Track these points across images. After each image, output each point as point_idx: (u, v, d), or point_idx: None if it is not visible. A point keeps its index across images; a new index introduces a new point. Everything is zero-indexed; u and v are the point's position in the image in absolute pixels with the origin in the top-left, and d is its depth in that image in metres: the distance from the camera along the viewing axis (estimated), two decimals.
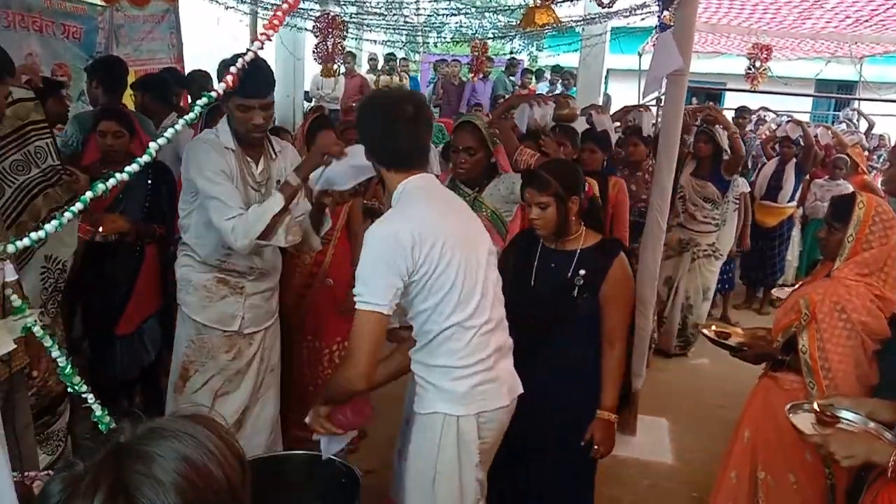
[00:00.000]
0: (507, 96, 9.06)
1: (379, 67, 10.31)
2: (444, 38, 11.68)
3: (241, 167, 2.57)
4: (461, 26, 11.09)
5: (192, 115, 1.17)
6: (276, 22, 1.27)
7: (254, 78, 2.27)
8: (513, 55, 11.49)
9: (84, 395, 1.12)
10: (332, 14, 6.27)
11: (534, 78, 10.43)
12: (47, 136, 2.54)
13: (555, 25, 4.26)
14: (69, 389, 1.14)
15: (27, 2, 6.05)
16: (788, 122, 7.26)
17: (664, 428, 4.28)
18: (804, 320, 2.43)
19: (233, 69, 1.26)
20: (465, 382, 2.02)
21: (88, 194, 1.10)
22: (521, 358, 2.25)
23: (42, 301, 2.51)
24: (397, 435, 2.33)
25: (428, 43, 12.96)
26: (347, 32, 6.32)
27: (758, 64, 8.39)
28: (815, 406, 2.03)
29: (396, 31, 9.66)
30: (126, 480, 0.77)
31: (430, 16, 9.97)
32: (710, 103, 6.24)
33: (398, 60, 10.52)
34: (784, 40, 8.96)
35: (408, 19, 9.77)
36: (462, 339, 2.01)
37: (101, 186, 1.09)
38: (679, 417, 4.39)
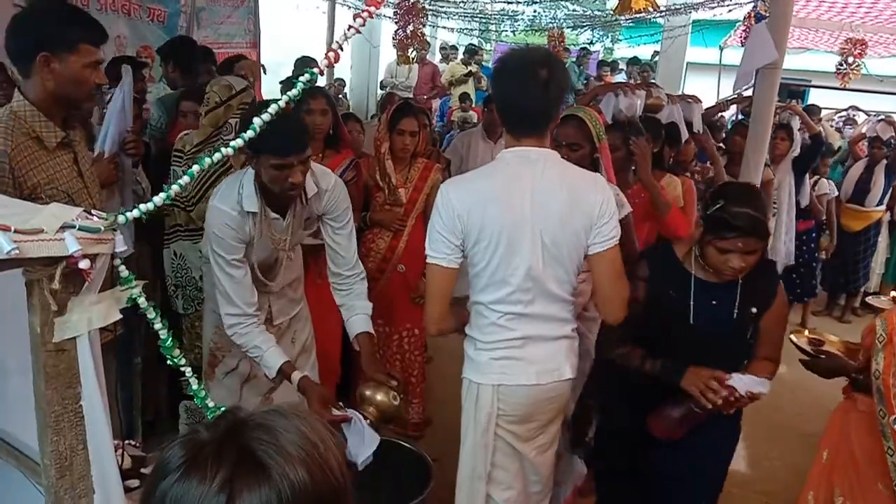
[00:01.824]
0: (577, 88, 8.89)
1: (456, 58, 10.23)
2: (518, 27, 11.56)
3: (262, 229, 2.39)
4: (536, 16, 10.96)
5: (295, 91, 1.16)
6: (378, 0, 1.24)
7: (287, 132, 2.15)
8: (584, 46, 11.27)
9: (182, 369, 1.13)
10: (412, 1, 6.26)
11: (610, 70, 10.20)
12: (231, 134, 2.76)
13: (642, 13, 4.11)
14: (168, 362, 1.15)
15: None
16: (879, 121, 6.89)
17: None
18: (880, 342, 2.25)
19: (334, 45, 1.24)
20: (486, 354, 2.12)
21: (196, 168, 1.11)
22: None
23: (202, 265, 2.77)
24: (458, 417, 2.33)
25: (500, 32, 12.87)
26: (427, 19, 6.30)
27: (850, 60, 7.98)
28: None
29: (472, 20, 9.60)
30: (253, 447, 0.76)
31: (506, 4, 9.87)
32: (734, 93, 5.56)
33: (479, 52, 10.45)
34: (878, 36, 8.51)
35: (482, 8, 9.70)
36: (487, 318, 2.10)
37: (207, 160, 1.10)
38: (754, 425, 4.23)
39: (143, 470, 1.94)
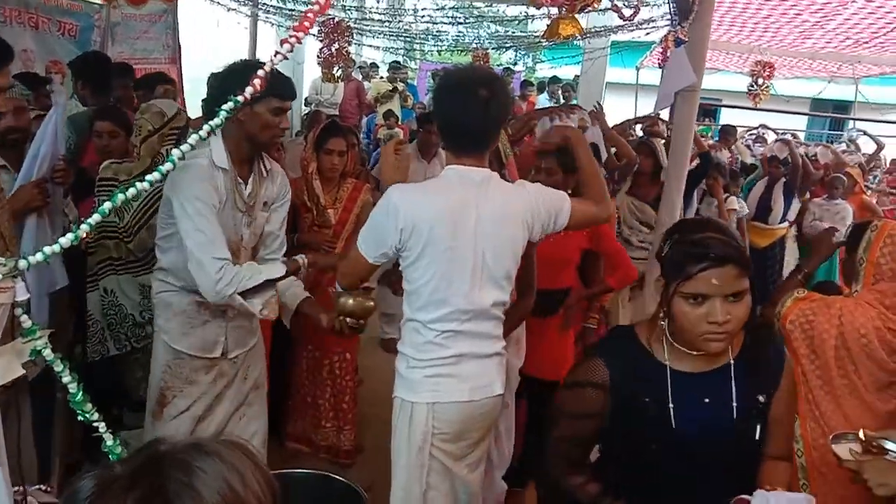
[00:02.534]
0: None
1: (377, 76, 10.22)
2: (442, 47, 11.63)
3: (231, 187, 2.35)
4: (460, 35, 11.06)
5: (217, 120, 1.09)
6: (307, 24, 1.19)
7: (286, 79, 2.29)
8: (508, 66, 11.45)
9: (95, 424, 1.03)
10: (337, 19, 6.21)
11: (535, 90, 10.38)
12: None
13: (570, 39, 4.18)
14: (79, 418, 1.05)
15: None
16: (776, 141, 7.12)
17: None
18: None
19: (260, 73, 1.17)
20: (420, 372, 2.11)
21: (107, 205, 1.02)
22: None
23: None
24: (389, 448, 2.28)
25: (425, 51, 12.92)
26: (352, 38, 6.26)
27: (760, 81, 8.38)
28: (861, 435, 1.86)
29: (396, 39, 9.61)
30: (165, 486, 0.73)
31: (430, 24, 9.93)
32: (654, 114, 5.50)
33: (400, 69, 10.46)
34: (784, 59, 8.98)
35: (407, 27, 9.73)
36: (423, 336, 2.10)
37: (120, 196, 1.01)
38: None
39: None
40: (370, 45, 9.44)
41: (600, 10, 4.61)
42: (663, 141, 4.88)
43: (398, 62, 10.75)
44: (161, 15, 7.62)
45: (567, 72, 11.46)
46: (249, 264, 2.33)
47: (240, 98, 1.12)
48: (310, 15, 1.16)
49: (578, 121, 3.83)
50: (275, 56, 1.16)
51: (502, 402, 2.28)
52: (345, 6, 7.28)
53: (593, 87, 9.22)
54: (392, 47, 10.46)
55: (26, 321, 0.93)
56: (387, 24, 8.48)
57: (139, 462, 0.76)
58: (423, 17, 8.91)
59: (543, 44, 10.76)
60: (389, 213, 2.02)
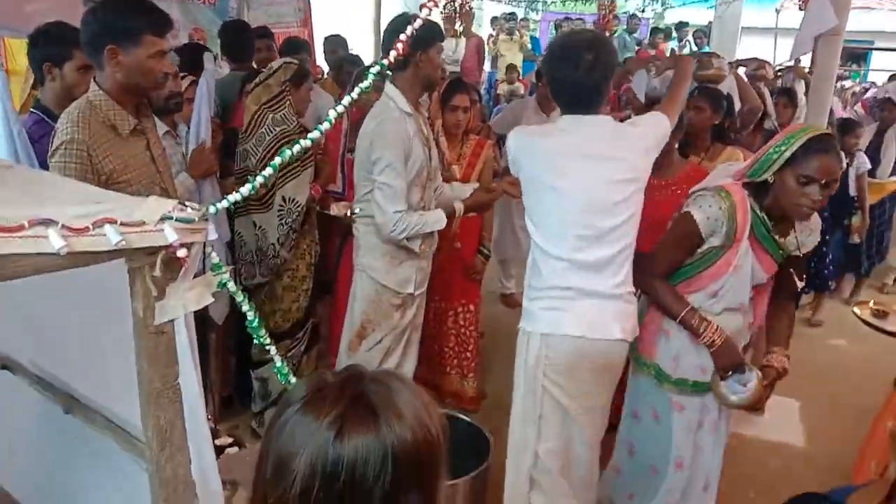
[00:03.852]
0: (629, 56, 8.73)
1: (500, 28, 10.16)
2: None
3: (417, 128, 2.71)
4: None
5: (365, 83, 1.21)
6: None
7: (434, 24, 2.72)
8: (633, 13, 11.02)
9: (268, 347, 1.21)
10: None
11: (664, 36, 9.96)
12: (280, 109, 3.10)
13: None
14: (255, 340, 1.23)
15: None
16: (892, 79, 6.15)
17: (795, 409, 4.09)
18: None
19: (402, 36, 1.28)
20: (537, 304, 2.27)
21: (277, 160, 1.17)
22: None
23: (278, 235, 3.13)
24: (511, 395, 2.42)
25: (548, 2, 12.67)
26: None
27: None
28: None
29: None
30: (368, 395, 0.86)
31: None
32: (759, 58, 4.84)
33: (518, 20, 10.34)
34: None
35: None
36: (541, 265, 2.25)
37: (287, 152, 1.16)
38: (812, 400, 4.18)
39: (216, 442, 2.06)
40: (492, 0, 9.38)
41: None
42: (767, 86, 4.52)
43: (514, 14, 10.64)
44: None
45: (699, 17, 10.88)
46: (419, 215, 2.71)
47: (384, 62, 1.23)
48: None
49: (716, 69, 3.58)
50: (413, 20, 1.26)
51: (624, 349, 2.32)
52: None
53: (728, 32, 8.73)
54: (514, 0, 10.35)
55: (214, 258, 1.10)
56: None
57: (346, 376, 0.89)
58: None
59: None
60: (508, 149, 2.35)
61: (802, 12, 4.71)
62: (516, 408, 2.38)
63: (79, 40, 2.30)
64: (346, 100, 1.19)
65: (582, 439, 2.35)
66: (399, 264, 2.82)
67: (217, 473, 1.20)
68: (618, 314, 2.26)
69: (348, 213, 3.25)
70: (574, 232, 2.19)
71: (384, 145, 2.63)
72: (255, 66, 4.34)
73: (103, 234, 0.91)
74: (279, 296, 3.31)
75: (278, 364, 1.22)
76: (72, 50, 2.48)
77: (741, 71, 5.09)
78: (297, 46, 4.81)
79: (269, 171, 1.16)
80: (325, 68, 6.80)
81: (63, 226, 0.88)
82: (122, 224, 0.93)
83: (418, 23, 1.27)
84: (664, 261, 2.31)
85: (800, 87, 4.84)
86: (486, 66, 10.10)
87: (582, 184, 2.18)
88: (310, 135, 1.20)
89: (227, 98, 3.94)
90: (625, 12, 11.80)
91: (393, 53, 1.27)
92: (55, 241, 0.86)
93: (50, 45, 2.54)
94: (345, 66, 4.65)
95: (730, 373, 2.27)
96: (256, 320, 1.17)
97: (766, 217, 2.19)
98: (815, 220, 2.33)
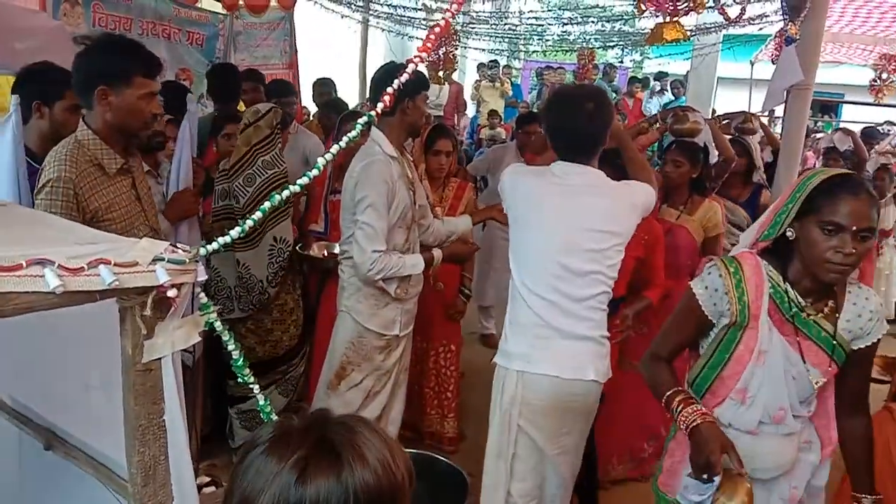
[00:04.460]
0: None
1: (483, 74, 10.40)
2: (546, 44, 11.64)
3: (401, 172, 2.78)
4: (565, 34, 11.04)
5: (354, 133, 1.26)
6: (429, 45, 1.34)
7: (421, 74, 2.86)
8: (611, 63, 11.32)
9: (252, 386, 1.23)
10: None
11: (641, 86, 10.24)
12: (271, 151, 3.19)
13: (675, 43, 4.13)
14: (239, 380, 1.25)
15: (159, 11, 6.50)
16: (836, 131, 6.17)
17: None
18: None
19: (389, 89, 1.34)
20: (512, 340, 2.32)
21: (267, 204, 1.22)
22: None
23: (267, 273, 3.20)
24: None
25: (529, 51, 12.97)
26: (459, 42, 6.45)
27: (884, 76, 7.92)
28: None
29: (500, 39, 9.74)
30: (333, 438, 0.88)
31: (536, 24, 9.98)
32: (746, 111, 4.94)
33: (500, 67, 10.58)
34: None
35: (512, 28, 9.83)
36: (521, 301, 2.30)
37: (277, 197, 1.20)
38: None
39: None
40: (475, 48, 9.61)
41: (708, 7, 4.50)
42: (758, 138, 4.62)
43: (496, 61, 10.89)
44: (279, 22, 8.08)
45: (677, 67, 11.20)
46: (396, 257, 2.73)
47: (372, 113, 1.28)
48: (432, 36, 1.31)
49: (692, 123, 3.68)
50: (400, 75, 1.32)
51: (598, 390, 2.34)
52: (464, 11, 7.46)
53: (704, 83, 9.01)
54: (497, 49, 10.60)
55: (203, 298, 1.13)
56: (493, 25, 8.61)
57: (311, 419, 0.92)
58: (528, 17, 8.99)
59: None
60: (501, 186, 2.46)
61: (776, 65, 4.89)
62: (491, 445, 2.41)
63: (70, 81, 2.34)
64: (335, 148, 1.24)
65: (555, 480, 2.37)
66: (384, 306, 2.83)
67: None
68: (592, 355, 2.30)
69: (325, 254, 3.31)
70: (552, 271, 2.25)
71: (368, 186, 2.67)
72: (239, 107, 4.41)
73: (97, 273, 0.94)
74: (269, 328, 3.37)
75: (261, 402, 1.24)
76: (63, 90, 2.51)
77: (726, 124, 5.20)
78: (285, 89, 4.91)
79: (258, 215, 1.20)
80: (312, 110, 6.91)
81: (59, 265, 0.91)
82: (115, 264, 0.96)
83: (405, 76, 1.33)
84: (666, 341, 1.97)
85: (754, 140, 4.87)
86: (470, 112, 10.30)
87: (562, 225, 2.25)
88: (299, 181, 1.25)
89: (200, 137, 3.99)
90: (603, 62, 12.13)
91: (380, 105, 1.33)
92: (51, 281, 0.89)
93: (42, 83, 2.58)
94: (329, 111, 4.76)
95: (702, 475, 1.70)
96: (241, 360, 1.20)
97: (789, 288, 1.75)
98: (874, 302, 1.80)
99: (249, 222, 1.20)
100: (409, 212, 2.82)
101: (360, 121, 1.27)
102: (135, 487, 1.12)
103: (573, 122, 2.28)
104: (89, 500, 1.41)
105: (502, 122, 8.71)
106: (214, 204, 3.26)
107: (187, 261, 1.04)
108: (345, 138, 1.20)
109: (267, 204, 1.20)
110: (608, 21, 11.14)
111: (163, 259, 1.02)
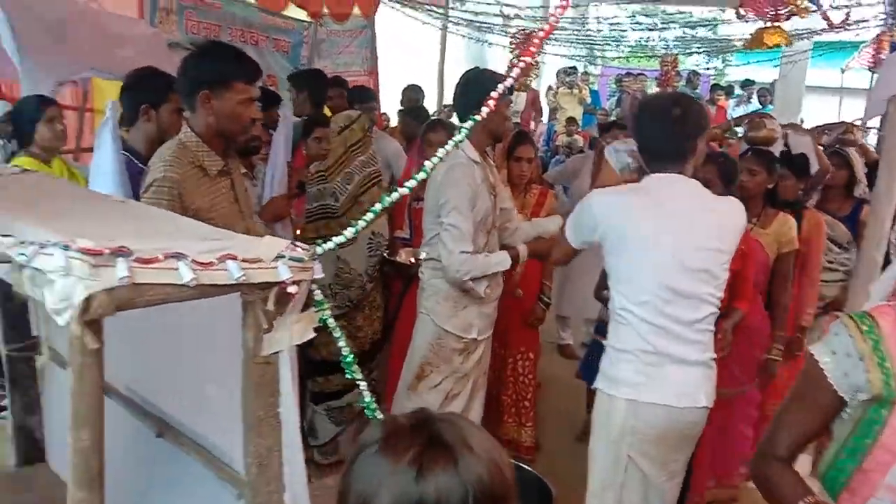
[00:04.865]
0: None
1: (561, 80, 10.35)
2: (625, 52, 11.50)
3: (484, 176, 2.78)
4: (644, 40, 10.88)
5: (460, 136, 1.28)
6: (532, 49, 1.35)
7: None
8: (694, 70, 11.07)
9: (358, 382, 1.26)
10: (528, 30, 6.40)
11: (724, 94, 9.96)
12: (366, 151, 3.41)
13: (776, 48, 4.00)
14: (347, 375, 1.29)
15: (248, 18, 6.75)
16: None
17: None
18: None
19: (493, 94, 1.35)
20: (619, 367, 2.18)
21: (378, 206, 1.25)
22: None
23: (367, 266, 3.36)
24: (567, 447, 2.37)
25: (606, 57, 12.83)
26: (542, 48, 6.44)
27: None
28: None
29: (580, 46, 9.67)
30: (442, 434, 0.88)
31: (614, 30, 9.89)
32: (847, 122, 4.72)
33: (578, 74, 10.50)
34: None
35: (591, 34, 9.75)
36: (627, 326, 2.18)
37: (387, 199, 1.23)
38: None
39: None
40: (554, 54, 9.57)
41: (812, 11, 4.34)
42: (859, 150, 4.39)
43: (574, 68, 10.80)
44: (361, 30, 8.26)
45: (764, 75, 10.84)
46: (483, 256, 2.74)
47: (477, 117, 1.30)
48: (535, 40, 1.31)
49: (768, 130, 3.56)
50: (506, 81, 1.33)
51: (707, 414, 2.25)
52: (535, 17, 7.48)
53: (792, 91, 8.68)
54: (576, 55, 10.52)
55: (318, 295, 1.17)
56: (574, 31, 8.57)
57: (417, 417, 0.93)
58: (608, 22, 8.91)
59: (735, 46, 10.31)
60: (588, 211, 2.28)
61: (871, 73, 4.69)
62: (596, 476, 2.29)
63: (174, 85, 2.45)
64: (441, 151, 1.26)
65: None
66: (462, 309, 2.84)
67: (308, 502, 1.24)
68: (703, 380, 2.21)
69: (413, 260, 3.36)
70: (660, 295, 2.14)
71: (452, 188, 2.68)
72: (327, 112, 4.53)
73: (226, 268, 0.99)
74: (358, 325, 3.49)
75: (367, 398, 1.27)
76: (168, 93, 2.64)
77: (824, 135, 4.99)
78: (366, 95, 5.02)
79: (370, 215, 1.23)
80: (391, 116, 7.02)
81: (192, 259, 0.96)
82: (242, 260, 1.00)
83: (509, 81, 1.34)
84: (783, 434, 1.50)
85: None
86: (544, 119, 10.25)
87: (669, 245, 2.15)
88: (407, 183, 1.27)
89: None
90: (685, 69, 11.87)
91: (485, 110, 1.34)
92: (185, 274, 0.94)
93: (148, 88, 2.71)
94: (410, 118, 4.88)
95: None
96: (350, 357, 1.23)
97: None
98: None
99: (361, 223, 1.24)
100: (490, 216, 2.82)
101: (465, 126, 1.28)
102: (249, 476, 1.16)
103: (660, 128, 2.22)
104: (197, 488, 1.47)
105: (579, 130, 8.62)
106: (309, 205, 3.37)
107: (306, 258, 1.07)
108: (441, 151, 1.22)
109: (378, 206, 1.23)
110: (690, 27, 10.91)
111: (284, 256, 1.06)
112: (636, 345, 2.16)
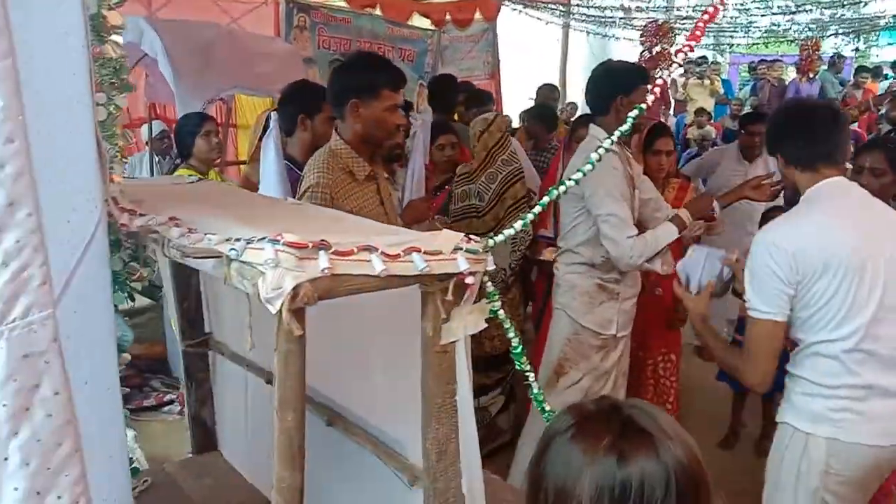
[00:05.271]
0: (835, 97, 8.17)
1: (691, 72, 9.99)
2: (753, 38, 10.91)
3: (623, 167, 2.73)
4: (774, 25, 10.26)
5: (626, 126, 1.27)
6: (698, 33, 1.32)
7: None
8: (839, 53, 10.33)
9: (527, 374, 1.28)
10: (660, 21, 6.23)
11: (871, 76, 9.22)
12: (506, 151, 3.44)
13: None
14: (518, 366, 1.31)
15: (375, 30, 7.00)
16: None
17: None
18: None
19: (659, 80, 1.34)
20: (821, 403, 1.93)
21: (537, 208, 1.28)
22: None
23: (510, 261, 3.39)
24: (706, 452, 2.21)
25: (733, 45, 12.24)
26: (674, 39, 6.25)
27: None
28: None
29: (707, 34, 9.28)
30: (639, 422, 0.89)
31: (742, 15, 9.40)
32: None
33: (709, 64, 10.09)
34: None
35: (718, 21, 9.33)
36: (828, 358, 1.92)
37: (554, 192, 1.25)
38: None
39: None
40: (683, 44, 9.24)
41: None
42: None
43: (705, 58, 10.37)
44: (483, 34, 8.35)
45: None
46: (650, 233, 2.67)
47: (642, 106, 1.29)
48: (700, 24, 1.28)
49: None
50: (669, 66, 1.30)
51: None
52: (667, 7, 7.26)
53: None
54: (704, 44, 10.12)
55: (490, 287, 1.20)
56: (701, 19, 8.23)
57: (604, 404, 0.94)
58: (735, 7, 8.49)
59: (881, 24, 9.54)
60: (771, 247, 1.94)
61: None
62: None
63: (325, 95, 2.59)
64: (607, 142, 1.26)
65: None
66: (599, 304, 2.80)
67: (483, 490, 1.28)
68: None
69: (556, 259, 3.34)
70: (869, 315, 1.89)
71: (597, 178, 2.52)
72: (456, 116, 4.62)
73: (411, 260, 1.03)
74: (498, 323, 3.51)
75: (535, 391, 1.29)
76: (322, 103, 2.79)
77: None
78: (483, 99, 5.07)
79: (538, 208, 1.25)
80: (513, 118, 7.04)
81: (382, 252, 1.01)
82: (425, 252, 1.05)
83: (677, 68, 1.31)
84: None
85: None
86: (670, 110, 9.91)
87: (873, 259, 1.90)
88: (575, 175, 1.28)
89: None
90: (824, 53, 11.09)
91: (650, 97, 1.32)
92: (377, 265, 1.00)
93: (305, 99, 2.88)
94: (535, 121, 4.89)
95: None
96: (520, 348, 1.25)
97: None
98: None
99: (530, 216, 1.26)
100: (629, 205, 2.73)
101: (631, 114, 1.26)
102: (428, 462, 1.20)
103: (815, 127, 2.02)
104: (365, 474, 1.54)
105: (711, 121, 8.27)
106: (454, 206, 3.47)
107: (481, 250, 1.11)
108: (594, 155, 1.21)
109: (537, 208, 1.25)
110: (827, 7, 10.18)
111: (462, 248, 1.09)
112: (839, 379, 1.92)
